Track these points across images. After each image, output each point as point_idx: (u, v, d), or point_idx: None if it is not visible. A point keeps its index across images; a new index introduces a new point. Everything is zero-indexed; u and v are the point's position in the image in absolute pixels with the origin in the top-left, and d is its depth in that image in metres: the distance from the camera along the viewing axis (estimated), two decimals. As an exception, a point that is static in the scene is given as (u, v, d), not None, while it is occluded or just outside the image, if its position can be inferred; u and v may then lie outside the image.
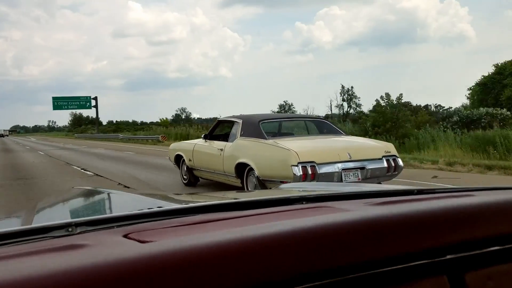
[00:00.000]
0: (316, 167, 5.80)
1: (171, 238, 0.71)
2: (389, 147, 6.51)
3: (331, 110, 62.25)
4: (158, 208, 1.03)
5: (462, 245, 0.75)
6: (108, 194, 1.78)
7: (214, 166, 7.45)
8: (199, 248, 0.60)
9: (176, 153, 8.82)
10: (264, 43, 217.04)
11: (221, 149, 7.25)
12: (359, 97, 66.78)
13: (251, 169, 6.45)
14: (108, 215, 0.95)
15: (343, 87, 68.86)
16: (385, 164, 6.22)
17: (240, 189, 6.83)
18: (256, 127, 6.82)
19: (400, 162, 6.39)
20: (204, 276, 0.56)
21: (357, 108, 67.85)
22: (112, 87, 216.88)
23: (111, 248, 0.67)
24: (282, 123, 7.94)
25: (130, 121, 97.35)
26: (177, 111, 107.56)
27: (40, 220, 1.24)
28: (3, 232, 0.82)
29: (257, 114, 7.48)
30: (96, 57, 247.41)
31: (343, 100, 67.87)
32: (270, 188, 6.13)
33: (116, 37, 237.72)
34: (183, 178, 8.71)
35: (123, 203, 1.58)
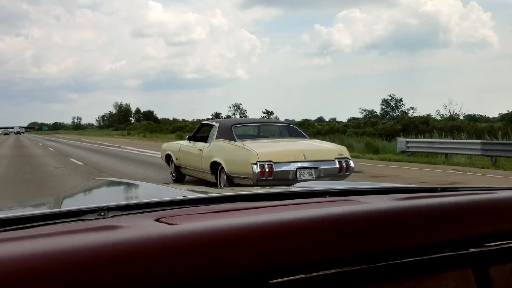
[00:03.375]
0: (273, 165, 6.70)
1: (201, 221, 0.71)
2: (343, 150, 7.36)
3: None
4: (187, 196, 1.05)
5: (487, 239, 0.76)
6: (133, 184, 1.77)
7: (195, 164, 8.42)
8: (225, 228, 0.61)
9: (166, 153, 9.83)
10: (282, 45, 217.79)
11: (201, 149, 8.21)
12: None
13: (223, 167, 7.39)
14: (138, 201, 0.96)
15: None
16: (337, 165, 7.07)
17: (214, 185, 7.78)
18: (228, 130, 7.76)
19: (352, 164, 7.23)
20: (231, 255, 0.57)
21: None
22: (129, 87, 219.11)
23: (145, 229, 0.67)
24: (255, 127, 8.89)
25: (171, 118, 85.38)
26: (230, 107, 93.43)
27: (70, 206, 1.21)
28: (36, 214, 0.83)
29: (233, 119, 8.44)
30: (114, 56, 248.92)
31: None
32: (237, 183, 7.07)
33: (135, 37, 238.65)
34: (172, 175, 9.70)
35: (150, 192, 1.59)
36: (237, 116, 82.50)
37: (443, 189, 1.15)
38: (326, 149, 7.47)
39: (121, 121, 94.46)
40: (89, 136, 59.31)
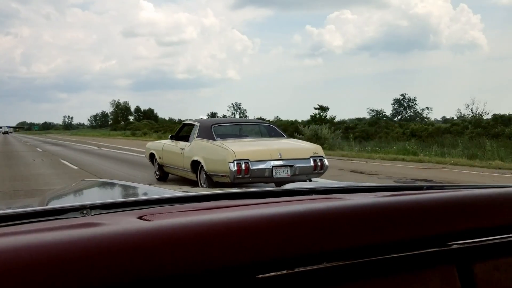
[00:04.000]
0: (249, 164, 6.97)
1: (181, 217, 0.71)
2: (318, 149, 7.65)
3: None
4: (171, 195, 1.05)
5: (471, 235, 0.76)
6: (119, 184, 1.79)
7: (177, 163, 8.67)
8: (207, 223, 0.61)
9: (150, 152, 10.08)
10: (273, 46, 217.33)
11: (182, 149, 8.46)
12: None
13: (202, 165, 7.65)
14: (122, 199, 0.97)
15: None
16: (312, 163, 7.36)
17: (195, 183, 8.03)
18: (208, 129, 8.02)
19: (326, 162, 7.52)
20: (209, 250, 0.57)
21: None
22: (119, 87, 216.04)
23: (125, 226, 0.66)
24: (236, 127, 9.16)
25: (166, 118, 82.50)
26: (229, 107, 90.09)
27: (54, 205, 1.21)
28: (19, 212, 0.83)
29: (214, 119, 8.70)
30: (105, 56, 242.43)
31: None
32: (215, 181, 7.32)
33: (126, 37, 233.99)
34: (156, 174, 9.93)
35: (135, 192, 1.60)
36: (237, 116, 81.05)
37: (429, 187, 1.15)
38: (302, 148, 7.75)
39: (118, 120, 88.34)
40: (92, 137, 48.91)
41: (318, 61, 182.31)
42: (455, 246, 0.74)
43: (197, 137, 8.13)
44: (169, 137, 9.44)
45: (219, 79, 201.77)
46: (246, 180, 7.04)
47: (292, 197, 1.04)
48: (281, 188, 1.37)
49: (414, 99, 52.68)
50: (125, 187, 1.70)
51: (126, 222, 0.73)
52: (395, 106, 54.12)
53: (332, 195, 1.05)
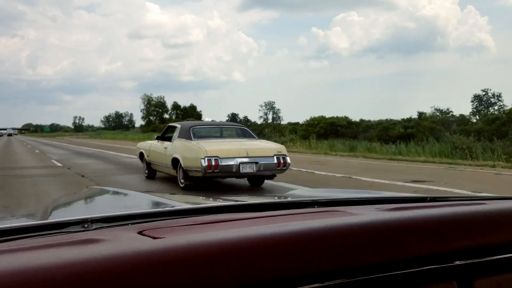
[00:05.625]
0: (219, 160, 8.01)
1: (183, 235, 0.72)
2: (281, 149, 8.68)
3: None
4: (172, 208, 1.09)
5: (472, 252, 0.76)
6: (122, 193, 1.83)
7: (162, 160, 9.74)
8: (210, 244, 0.62)
9: (140, 151, 11.18)
10: (279, 48, 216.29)
11: (166, 148, 9.54)
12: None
13: (180, 162, 8.71)
14: (122, 212, 0.96)
15: None
16: (275, 161, 8.38)
17: (175, 177, 9.08)
18: (187, 131, 9.09)
19: (288, 160, 8.53)
20: (215, 271, 0.58)
21: None
22: (125, 89, 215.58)
23: (126, 243, 0.68)
24: (213, 129, 10.25)
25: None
26: (261, 106, 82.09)
27: (57, 217, 1.23)
28: (20, 226, 0.86)
29: (193, 121, 9.77)
30: (110, 58, 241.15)
31: None
32: (191, 176, 8.35)
33: (132, 39, 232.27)
34: (145, 172, 11.01)
35: (137, 202, 1.63)
36: (269, 117, 79.41)
37: (432, 199, 1.16)
38: (267, 147, 8.79)
39: (150, 120, 72.44)
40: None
41: (324, 63, 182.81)
42: (457, 262, 0.76)
43: (178, 137, 9.21)
44: (155, 137, 10.54)
45: (224, 81, 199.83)
46: (216, 175, 8.09)
47: (294, 210, 1.06)
48: (282, 200, 1.44)
49: (499, 95, 46.80)
50: (128, 197, 1.75)
51: (128, 239, 0.75)
52: (476, 104, 47.45)
53: (334, 208, 1.07)
